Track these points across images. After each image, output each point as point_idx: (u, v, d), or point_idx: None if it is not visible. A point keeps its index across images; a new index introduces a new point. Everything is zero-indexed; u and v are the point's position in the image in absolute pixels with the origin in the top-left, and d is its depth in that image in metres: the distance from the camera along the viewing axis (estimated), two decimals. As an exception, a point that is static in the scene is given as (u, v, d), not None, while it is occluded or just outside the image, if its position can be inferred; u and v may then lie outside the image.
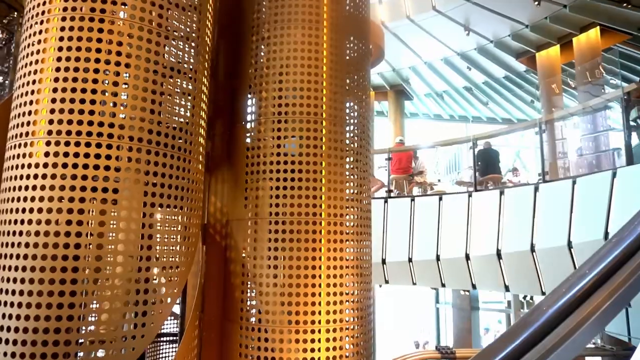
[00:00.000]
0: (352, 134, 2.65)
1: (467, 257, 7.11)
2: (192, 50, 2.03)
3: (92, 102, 1.62)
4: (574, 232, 5.73)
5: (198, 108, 2.09)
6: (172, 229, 1.87)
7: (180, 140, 1.88)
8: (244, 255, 2.51)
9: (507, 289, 6.81)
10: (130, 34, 1.73)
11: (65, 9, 1.72)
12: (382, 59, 3.67)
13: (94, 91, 1.63)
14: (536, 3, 8.18)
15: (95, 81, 1.64)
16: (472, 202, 7.35)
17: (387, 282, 8.24)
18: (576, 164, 7.90)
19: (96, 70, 1.66)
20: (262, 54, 2.62)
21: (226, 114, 2.86)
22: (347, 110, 2.64)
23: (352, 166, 2.61)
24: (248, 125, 2.65)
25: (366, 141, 2.75)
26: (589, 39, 9.47)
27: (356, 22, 2.83)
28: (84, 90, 1.62)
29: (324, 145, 2.47)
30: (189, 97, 1.99)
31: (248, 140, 2.65)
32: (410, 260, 7.80)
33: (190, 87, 2.01)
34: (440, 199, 7.79)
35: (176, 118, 1.90)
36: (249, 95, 2.67)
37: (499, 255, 6.68)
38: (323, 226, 2.38)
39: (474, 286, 7.27)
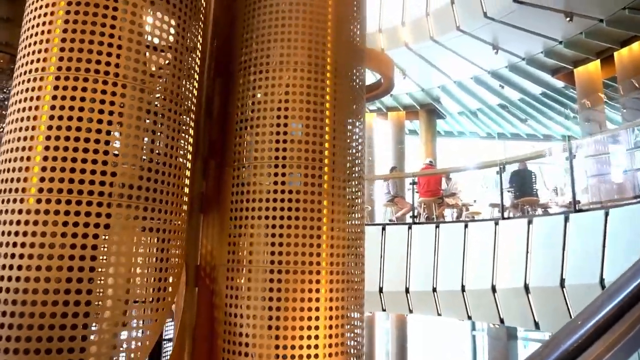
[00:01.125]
0: (351, 173, 2.45)
1: (494, 289, 6.73)
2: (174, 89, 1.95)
3: (84, 160, 1.60)
4: (607, 268, 5.28)
5: (180, 146, 2.02)
6: (152, 269, 1.81)
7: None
8: (225, 302, 2.44)
9: (537, 326, 6.36)
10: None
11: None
12: (392, 88, 3.53)
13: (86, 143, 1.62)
14: (568, 19, 7.77)
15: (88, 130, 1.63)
16: (499, 231, 6.98)
17: (411, 311, 7.94)
18: (616, 190, 7.34)
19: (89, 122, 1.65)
20: (248, 97, 2.53)
21: (219, 154, 2.83)
22: (347, 151, 2.45)
23: (351, 209, 2.43)
24: (233, 169, 2.54)
25: (363, 179, 2.57)
26: (631, 53, 8.87)
27: (354, 60, 2.68)
28: (75, 149, 1.60)
29: (323, 191, 2.31)
30: (171, 135, 1.92)
31: (233, 184, 2.60)
32: (434, 290, 7.48)
33: (171, 124, 1.94)
34: (466, 226, 7.46)
35: (156, 153, 1.83)
36: (235, 139, 2.63)
37: (526, 289, 6.27)
38: (313, 275, 2.22)
39: (502, 321, 6.85)
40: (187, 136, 2.08)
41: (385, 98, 12.79)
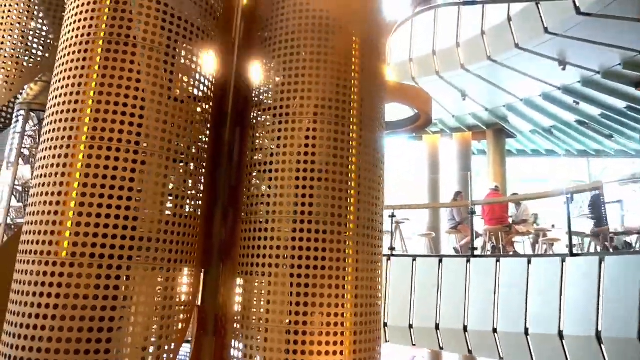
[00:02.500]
0: (372, 227, 2.28)
1: (561, 336, 6.03)
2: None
3: (108, 225, 1.67)
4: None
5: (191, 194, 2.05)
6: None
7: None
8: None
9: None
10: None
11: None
12: (430, 123, 3.40)
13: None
14: (645, 28, 6.92)
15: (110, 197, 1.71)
16: (566, 269, 6.27)
17: (470, 352, 7.37)
18: None
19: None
20: (255, 151, 2.43)
21: (236, 203, 2.81)
22: (370, 205, 2.26)
23: (373, 266, 2.20)
24: (244, 221, 2.45)
25: (382, 231, 2.37)
26: None
27: (379, 105, 2.53)
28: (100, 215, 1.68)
29: (346, 247, 2.09)
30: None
31: (242, 237, 2.57)
32: (495, 330, 6.89)
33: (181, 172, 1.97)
34: (529, 262, 6.81)
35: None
36: (244, 190, 2.60)
37: (598, 338, 5.53)
38: (336, 337, 1.98)
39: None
40: (201, 186, 2.09)
41: (447, 119, 12.30)
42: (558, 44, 7.81)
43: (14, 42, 2.84)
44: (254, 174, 2.22)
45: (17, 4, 2.91)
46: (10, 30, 2.86)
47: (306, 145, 2.10)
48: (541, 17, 7.44)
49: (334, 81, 2.30)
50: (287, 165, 2.13)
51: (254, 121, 2.37)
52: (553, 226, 12.78)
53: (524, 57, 8.33)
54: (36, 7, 2.96)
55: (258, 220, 2.12)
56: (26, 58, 2.87)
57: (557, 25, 7.35)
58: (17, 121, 3.37)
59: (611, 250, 8.89)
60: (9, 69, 2.80)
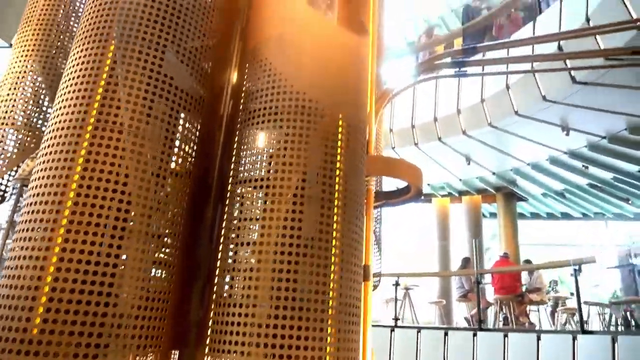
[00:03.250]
0: (351, 312, 2.20)
1: None
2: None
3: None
4: None
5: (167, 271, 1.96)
6: None
7: None
8: None
9: None
10: None
11: None
12: (421, 195, 3.36)
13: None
14: (645, 96, 6.87)
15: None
16: (578, 347, 5.82)
17: None
18: None
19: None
20: (235, 228, 2.37)
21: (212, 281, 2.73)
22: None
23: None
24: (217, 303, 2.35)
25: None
26: None
27: (362, 188, 2.51)
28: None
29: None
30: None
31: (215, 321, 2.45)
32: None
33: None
34: (539, 338, 6.37)
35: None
36: (223, 266, 2.50)
37: None
38: None
39: None
40: (175, 260, 2.01)
41: (455, 183, 12.18)
42: (558, 110, 7.80)
43: (16, 117, 2.93)
44: (235, 251, 2.14)
45: (23, 79, 3.04)
46: (14, 105, 2.96)
47: (292, 220, 2.04)
48: (538, 85, 7.49)
49: (319, 158, 2.31)
50: (266, 247, 2.06)
51: (237, 197, 2.34)
52: (572, 294, 12.13)
53: (525, 123, 8.31)
54: (40, 85, 3.08)
55: (233, 302, 2.01)
56: (28, 134, 2.96)
57: (555, 93, 7.38)
58: (13, 194, 3.42)
59: (633, 324, 8.30)
60: (9, 143, 2.89)
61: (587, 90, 7.10)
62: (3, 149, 2.86)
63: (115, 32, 2.21)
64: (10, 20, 6.17)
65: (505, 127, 8.52)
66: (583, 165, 9.94)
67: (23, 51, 3.13)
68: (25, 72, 3.03)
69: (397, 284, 8.70)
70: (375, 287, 4.39)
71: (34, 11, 3.26)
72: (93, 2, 2.49)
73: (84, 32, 2.36)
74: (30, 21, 3.23)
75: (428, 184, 12.43)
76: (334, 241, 2.11)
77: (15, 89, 2.99)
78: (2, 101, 2.95)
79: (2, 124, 2.90)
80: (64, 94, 2.10)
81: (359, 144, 2.55)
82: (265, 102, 2.41)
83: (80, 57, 2.19)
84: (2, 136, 2.88)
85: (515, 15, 9.96)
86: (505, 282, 9.07)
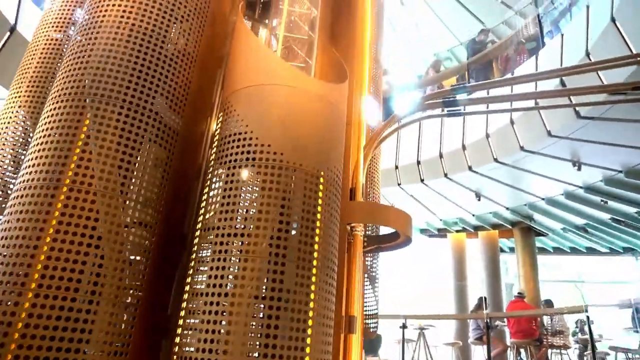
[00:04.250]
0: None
1: None
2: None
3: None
4: None
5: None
6: None
7: None
8: None
9: None
10: None
11: None
12: (410, 242, 3.29)
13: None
14: (656, 130, 6.53)
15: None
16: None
17: None
18: None
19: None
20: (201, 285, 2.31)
21: None
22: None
23: None
24: None
25: None
26: None
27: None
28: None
29: None
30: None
31: None
32: None
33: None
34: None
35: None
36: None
37: None
38: None
39: None
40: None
41: (468, 218, 11.82)
42: (567, 145, 7.51)
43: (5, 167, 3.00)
44: (204, 301, 2.02)
45: (14, 130, 3.11)
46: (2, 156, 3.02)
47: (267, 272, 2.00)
48: (543, 121, 7.26)
49: (280, 211, 2.23)
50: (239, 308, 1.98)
51: (205, 245, 2.23)
52: (601, 336, 11.37)
53: (534, 158, 8.03)
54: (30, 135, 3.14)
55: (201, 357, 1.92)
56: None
57: (560, 128, 7.12)
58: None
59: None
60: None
61: (593, 124, 6.82)
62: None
63: (88, 89, 2.25)
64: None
65: (513, 162, 8.25)
66: (602, 200, 9.48)
67: (14, 101, 3.23)
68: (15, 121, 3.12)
69: (404, 327, 8.35)
70: (373, 331, 4.17)
71: (30, 62, 3.37)
72: (67, 58, 2.55)
73: (57, 88, 2.40)
74: (25, 72, 3.33)
75: (440, 220, 12.10)
76: (300, 295, 2.03)
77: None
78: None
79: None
80: (37, 150, 2.14)
81: (331, 194, 2.46)
82: (232, 153, 2.38)
83: (53, 114, 2.25)
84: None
85: (522, 47, 9.81)
86: (522, 326, 8.57)
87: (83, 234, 1.89)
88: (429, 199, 10.43)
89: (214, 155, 2.54)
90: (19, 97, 3.20)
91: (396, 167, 9.61)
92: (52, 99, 2.40)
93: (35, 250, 1.85)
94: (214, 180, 2.34)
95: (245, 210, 2.21)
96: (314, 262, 2.17)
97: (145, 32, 2.51)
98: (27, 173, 2.11)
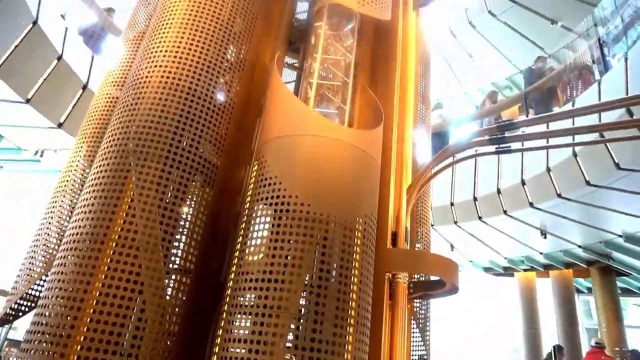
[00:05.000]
0: None
1: None
2: None
3: None
4: None
5: None
6: None
7: None
8: None
9: None
10: None
11: None
12: (457, 291, 3.20)
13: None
14: None
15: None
16: None
17: None
18: None
19: None
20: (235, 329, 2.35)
21: None
22: None
23: None
24: None
25: None
26: None
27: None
28: None
29: None
30: None
31: None
32: None
33: None
34: None
35: None
36: None
37: None
38: None
39: None
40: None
41: (537, 257, 10.96)
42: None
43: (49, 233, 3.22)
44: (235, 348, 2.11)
45: (74, 181, 3.34)
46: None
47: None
48: (610, 153, 6.66)
49: (315, 261, 2.25)
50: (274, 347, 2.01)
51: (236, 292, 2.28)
52: None
53: (603, 193, 7.34)
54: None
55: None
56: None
57: (630, 161, 6.48)
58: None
59: None
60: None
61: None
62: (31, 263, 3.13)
63: (131, 148, 2.43)
64: (28, 77, 6.99)
65: (580, 197, 7.60)
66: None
67: (78, 152, 3.49)
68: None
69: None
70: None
71: (91, 116, 3.63)
72: (114, 117, 2.74)
73: (105, 146, 2.58)
74: (87, 125, 3.59)
75: (505, 258, 11.32)
76: (332, 346, 2.02)
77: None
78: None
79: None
80: (85, 205, 2.31)
81: (362, 244, 2.40)
82: (262, 204, 2.41)
83: (100, 171, 2.43)
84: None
85: (585, 73, 9.20)
86: (601, 379, 7.64)
87: (125, 288, 2.01)
88: (491, 237, 9.83)
89: (247, 204, 2.57)
90: (82, 148, 3.47)
91: (451, 204, 9.21)
92: (100, 156, 2.57)
93: (81, 303, 1.97)
94: (247, 229, 2.37)
95: (274, 260, 2.21)
96: (343, 314, 2.12)
97: (187, 91, 2.66)
98: (75, 227, 2.26)
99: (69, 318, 1.94)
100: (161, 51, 2.79)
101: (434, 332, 4.17)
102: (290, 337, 2.00)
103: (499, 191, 8.47)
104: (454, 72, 13.99)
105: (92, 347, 1.85)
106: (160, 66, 2.73)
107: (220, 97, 2.87)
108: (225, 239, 2.71)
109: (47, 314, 1.97)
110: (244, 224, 2.44)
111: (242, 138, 3.09)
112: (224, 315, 2.17)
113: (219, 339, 2.10)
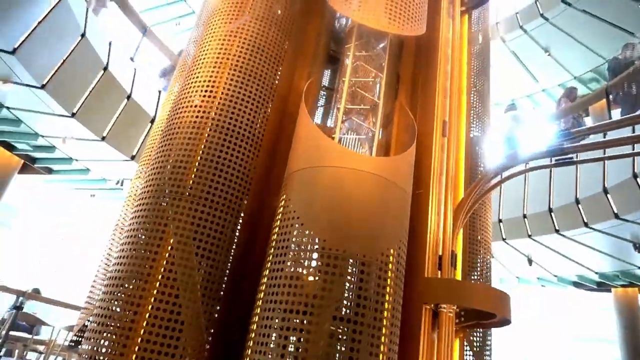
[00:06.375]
0: None
1: None
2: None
3: None
4: None
5: None
6: None
7: None
8: None
9: None
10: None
11: None
12: (508, 323, 3.03)
13: None
14: None
15: None
16: None
17: None
18: None
19: None
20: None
21: None
22: None
23: None
24: None
25: None
26: None
27: None
28: None
29: None
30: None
31: None
32: None
33: None
34: None
35: None
36: None
37: None
38: None
39: None
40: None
41: (635, 271, 9.64)
42: None
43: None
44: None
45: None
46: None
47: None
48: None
49: (340, 298, 2.24)
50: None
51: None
52: None
53: None
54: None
55: None
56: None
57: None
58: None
59: None
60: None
61: None
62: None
63: (167, 188, 2.61)
64: (103, 117, 7.59)
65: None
66: None
67: (137, 179, 3.79)
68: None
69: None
70: None
71: (151, 147, 3.85)
72: (153, 155, 2.93)
73: (144, 185, 2.77)
74: (148, 156, 3.84)
75: (596, 273, 10.11)
76: None
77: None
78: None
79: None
80: (127, 242, 2.53)
81: (389, 278, 2.33)
82: (281, 238, 2.42)
83: (139, 211, 2.62)
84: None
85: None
86: None
87: (167, 327, 2.18)
88: (574, 250, 8.87)
89: (274, 235, 2.57)
90: (140, 176, 3.75)
91: (524, 217, 8.48)
92: (139, 194, 2.74)
93: (127, 340, 2.16)
94: (270, 263, 2.38)
95: (294, 298, 2.18)
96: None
97: (215, 128, 2.78)
98: (118, 264, 2.44)
99: (118, 345, 2.17)
100: (192, 89, 2.95)
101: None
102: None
103: (550, 210, 7.71)
104: (527, 69, 12.90)
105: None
106: (193, 105, 2.88)
107: (250, 130, 2.91)
108: (258, 266, 2.71)
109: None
110: (270, 256, 2.43)
111: (274, 168, 3.08)
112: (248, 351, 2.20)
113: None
